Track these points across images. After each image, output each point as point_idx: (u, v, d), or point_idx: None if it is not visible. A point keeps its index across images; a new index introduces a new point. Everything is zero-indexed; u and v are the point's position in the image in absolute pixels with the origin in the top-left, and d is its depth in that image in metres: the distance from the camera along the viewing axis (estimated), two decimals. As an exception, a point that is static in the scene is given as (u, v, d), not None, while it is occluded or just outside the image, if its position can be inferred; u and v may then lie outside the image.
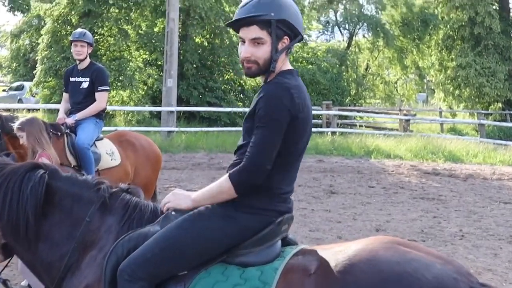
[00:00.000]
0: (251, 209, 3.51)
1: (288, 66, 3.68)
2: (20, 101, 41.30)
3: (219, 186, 3.56)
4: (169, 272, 3.54)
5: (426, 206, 13.63)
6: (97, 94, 8.84)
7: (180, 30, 27.71)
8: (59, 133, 8.39)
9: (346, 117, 31.58)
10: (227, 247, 3.52)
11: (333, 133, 25.23)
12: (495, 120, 35.93)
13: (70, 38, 9.16)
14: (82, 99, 8.86)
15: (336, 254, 3.27)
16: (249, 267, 3.50)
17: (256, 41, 3.54)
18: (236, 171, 3.52)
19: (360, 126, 32.74)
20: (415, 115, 33.38)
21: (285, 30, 3.56)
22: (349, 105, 36.68)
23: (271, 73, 3.60)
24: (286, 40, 3.58)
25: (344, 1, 43.45)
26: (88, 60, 9.01)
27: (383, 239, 3.37)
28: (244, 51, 3.57)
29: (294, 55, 37.62)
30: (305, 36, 40.95)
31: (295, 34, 3.60)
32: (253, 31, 3.54)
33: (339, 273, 3.13)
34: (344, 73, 40.07)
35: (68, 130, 8.55)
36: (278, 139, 3.46)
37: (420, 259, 3.08)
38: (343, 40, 44.60)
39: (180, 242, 3.50)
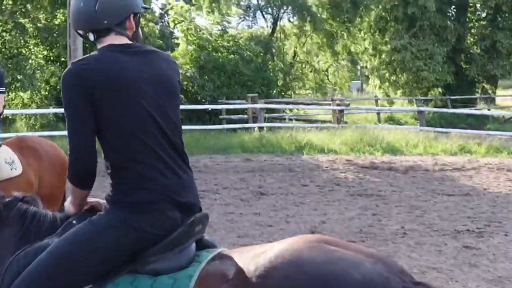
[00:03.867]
0: (138, 206, 3.52)
1: (105, 43, 3.85)
2: None
3: (68, 184, 3.73)
4: (69, 287, 3.51)
5: (365, 203, 13.80)
6: None
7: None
8: None
9: (274, 111, 31.67)
10: (128, 255, 3.53)
11: (260, 128, 25.22)
12: (435, 107, 36.57)
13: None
14: (-25, 103, 8.73)
15: (257, 257, 3.27)
16: (161, 275, 3.50)
17: None
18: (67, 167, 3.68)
19: (290, 119, 32.80)
20: (349, 105, 33.53)
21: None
22: (277, 97, 36.83)
23: None
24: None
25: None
26: (-21, 59, 8.86)
27: (308, 237, 3.39)
28: None
29: (213, 44, 37.56)
30: (225, 23, 41.02)
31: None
32: None
33: (258, 278, 3.13)
34: (270, 62, 40.17)
35: (-39, 137, 8.38)
36: (80, 122, 3.56)
37: (348, 258, 3.09)
38: (267, 26, 44.77)
39: (73, 254, 3.48)
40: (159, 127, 3.65)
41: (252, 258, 3.27)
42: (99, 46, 3.82)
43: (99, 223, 3.56)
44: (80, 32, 3.91)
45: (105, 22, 3.76)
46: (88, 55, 3.77)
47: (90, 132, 3.55)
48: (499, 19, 40.32)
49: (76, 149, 3.58)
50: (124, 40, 3.80)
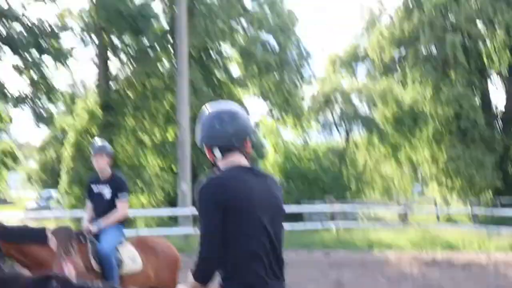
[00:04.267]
0: None
1: (231, 164, 3.97)
2: (48, 209, 41.45)
3: (190, 278, 3.82)
4: None
5: (429, 296, 13.42)
6: (118, 203, 8.90)
7: (191, 137, 27.90)
8: (83, 241, 8.40)
9: (348, 212, 31.38)
10: None
11: (338, 227, 25.04)
12: (487, 208, 35.68)
13: (91, 151, 9.27)
14: (105, 208, 8.90)
15: None
16: None
17: None
18: (194, 263, 3.80)
19: (362, 219, 32.55)
20: (412, 207, 33.24)
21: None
22: (351, 200, 36.55)
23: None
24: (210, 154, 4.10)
25: (339, 102, 43.84)
26: (108, 170, 9.09)
27: None
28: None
29: (296, 155, 37.78)
30: (306, 137, 41.25)
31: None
32: None
33: None
34: (344, 170, 40.16)
35: (92, 237, 8.56)
36: (213, 228, 3.67)
37: None
38: (341, 139, 44.79)
39: None
40: (270, 239, 3.76)
41: None
42: (221, 163, 3.96)
43: None
44: (207, 147, 4.05)
45: (235, 142, 3.93)
46: (222, 172, 3.89)
47: (218, 238, 3.66)
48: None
49: (205, 251, 3.69)
50: (243, 159, 3.95)
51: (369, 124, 42.71)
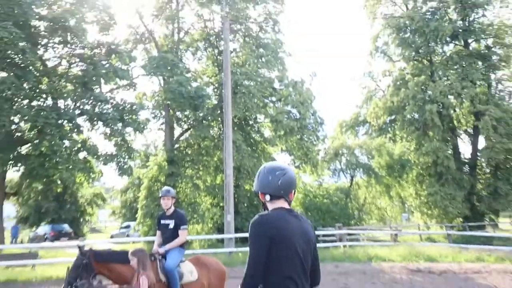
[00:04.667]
0: None
1: (278, 205, 3.97)
2: (127, 236, 41.59)
3: None
4: None
5: (414, 295, 13.19)
6: (179, 231, 8.96)
7: (234, 181, 28.06)
8: (153, 258, 8.50)
9: (352, 234, 31.05)
10: None
11: (344, 246, 24.78)
12: (458, 230, 35.07)
13: (159, 194, 9.33)
14: (170, 235, 8.98)
15: None
16: None
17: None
18: (242, 281, 3.72)
19: (363, 239, 32.15)
20: (401, 230, 32.77)
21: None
22: (354, 225, 36.17)
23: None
24: (262, 197, 4.07)
25: (345, 154, 43.68)
26: (172, 208, 9.16)
27: None
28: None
29: (313, 193, 37.62)
30: (320, 180, 41.11)
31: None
32: None
33: None
34: (349, 204, 39.82)
35: (160, 257, 8.66)
36: (259, 255, 3.63)
37: None
38: (347, 181, 44.49)
39: None
40: (301, 263, 3.77)
41: None
42: (270, 205, 3.97)
43: None
44: (260, 193, 4.04)
45: (282, 192, 3.94)
46: (269, 212, 3.89)
47: (263, 261, 3.64)
48: (498, 172, 38.86)
49: (251, 275, 3.66)
50: (286, 204, 3.94)
51: (368, 170, 42.48)
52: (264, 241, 3.63)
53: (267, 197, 3.98)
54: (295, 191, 4.15)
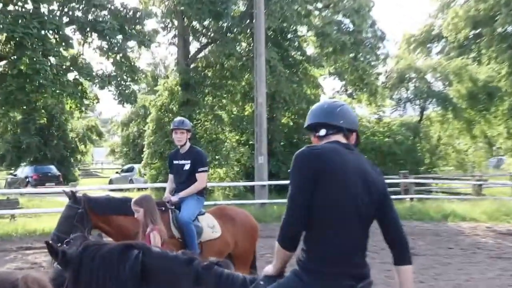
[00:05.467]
0: (322, 275, 3.49)
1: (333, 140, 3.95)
2: (131, 181, 42.40)
3: (276, 246, 3.73)
4: None
5: (504, 265, 13.09)
6: (197, 175, 8.92)
7: (267, 112, 27.97)
8: (164, 209, 8.49)
9: (422, 184, 30.96)
10: None
11: (411, 199, 24.74)
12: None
13: (171, 126, 9.34)
14: (185, 179, 8.96)
15: None
16: None
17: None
18: (280, 229, 3.72)
19: (436, 192, 32.08)
20: (486, 180, 32.52)
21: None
22: (425, 173, 36.05)
23: None
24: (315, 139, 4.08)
25: (414, 80, 43.19)
26: (188, 145, 9.13)
27: None
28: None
29: (371, 130, 37.50)
30: (380, 113, 40.89)
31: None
32: None
33: None
34: (418, 144, 39.60)
35: (173, 207, 8.67)
36: (301, 194, 3.60)
37: None
38: (415, 115, 44.12)
39: None
40: (358, 215, 3.65)
41: None
42: (323, 141, 3.93)
43: (286, 285, 3.58)
44: (312, 126, 4.04)
45: (341, 122, 3.88)
46: (320, 144, 3.88)
47: (306, 204, 3.58)
48: None
49: (292, 216, 3.63)
50: (344, 141, 3.88)
51: (443, 100, 41.93)
52: (308, 177, 3.59)
53: (322, 131, 3.95)
54: (358, 136, 4.11)
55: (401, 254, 3.87)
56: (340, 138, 3.90)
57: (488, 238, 17.22)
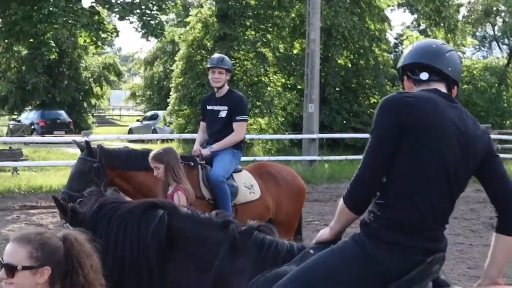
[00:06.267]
0: (391, 246, 3.46)
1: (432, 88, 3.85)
2: (154, 131, 42.41)
3: (340, 205, 3.69)
4: None
5: None
6: (235, 124, 8.89)
7: (321, 51, 27.81)
8: (192, 164, 8.52)
9: (507, 141, 30.65)
10: None
11: (494, 159, 24.45)
12: None
13: (208, 64, 9.29)
14: (220, 129, 8.95)
15: None
16: None
17: None
18: (349, 186, 3.63)
19: (525, 151, 31.74)
20: None
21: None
22: (511, 128, 35.70)
23: None
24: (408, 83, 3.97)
25: (502, 14, 42.56)
26: (226, 88, 9.09)
27: None
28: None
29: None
30: (459, 54, 40.39)
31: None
32: None
33: None
34: (504, 93, 39.10)
35: (203, 162, 8.64)
36: (382, 148, 3.54)
37: None
38: (503, 57, 43.58)
39: (316, 283, 3.47)
40: (446, 182, 3.59)
41: None
42: (420, 88, 3.85)
43: (343, 254, 3.54)
44: (410, 67, 3.95)
45: (449, 69, 3.83)
46: (415, 91, 3.81)
47: (385, 161, 3.54)
48: None
49: (366, 173, 3.59)
50: (445, 90, 3.81)
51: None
52: (393, 130, 3.52)
53: (424, 75, 3.84)
54: (459, 86, 4.00)
55: (507, 219, 3.80)
56: (442, 87, 3.83)
57: None
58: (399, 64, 4.03)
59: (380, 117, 3.59)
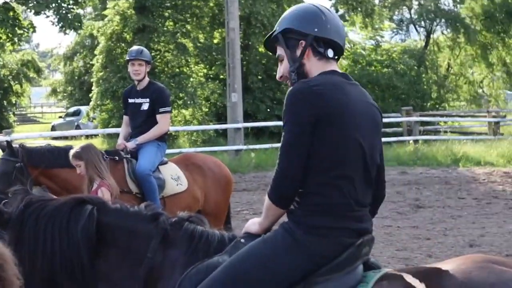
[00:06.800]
0: (318, 230, 3.45)
1: (328, 69, 3.75)
2: (77, 127, 42.27)
3: (266, 201, 3.62)
4: None
5: (525, 216, 13.36)
6: (158, 116, 8.89)
7: (241, 40, 27.85)
8: (117, 158, 8.50)
9: (428, 123, 31.18)
10: (299, 276, 3.46)
11: (416, 141, 24.82)
12: None
13: (127, 57, 9.28)
14: (143, 122, 8.95)
15: (425, 278, 3.18)
16: None
17: (280, 59, 3.81)
18: (271, 181, 3.59)
19: (445, 132, 32.26)
20: (505, 116, 32.77)
21: (296, 37, 3.72)
22: (431, 110, 36.30)
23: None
24: (301, 45, 3.71)
25: (418, -4, 43.26)
26: (147, 80, 9.08)
27: (475, 258, 3.29)
28: (278, 71, 3.89)
29: (366, 58, 37.54)
30: (378, 38, 40.86)
31: (310, 35, 3.72)
32: (278, 51, 3.83)
33: None
34: (424, 75, 39.74)
35: (128, 156, 8.63)
36: (299, 139, 3.49)
37: None
38: (420, 39, 44.23)
39: (248, 273, 3.46)
40: (363, 161, 3.60)
41: (420, 279, 3.18)
42: (315, 67, 3.73)
43: (275, 244, 3.52)
44: (327, 42, 3.74)
45: (335, 34, 3.73)
46: (318, 77, 3.67)
47: (304, 154, 3.50)
48: None
49: (286, 168, 3.53)
50: (337, 68, 3.78)
51: (453, 21, 41.97)
52: (307, 122, 3.47)
53: (330, 53, 3.76)
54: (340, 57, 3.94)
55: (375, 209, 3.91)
56: (335, 65, 3.80)
57: (507, 186, 17.47)
58: (291, 26, 3.77)
59: (292, 110, 3.54)
